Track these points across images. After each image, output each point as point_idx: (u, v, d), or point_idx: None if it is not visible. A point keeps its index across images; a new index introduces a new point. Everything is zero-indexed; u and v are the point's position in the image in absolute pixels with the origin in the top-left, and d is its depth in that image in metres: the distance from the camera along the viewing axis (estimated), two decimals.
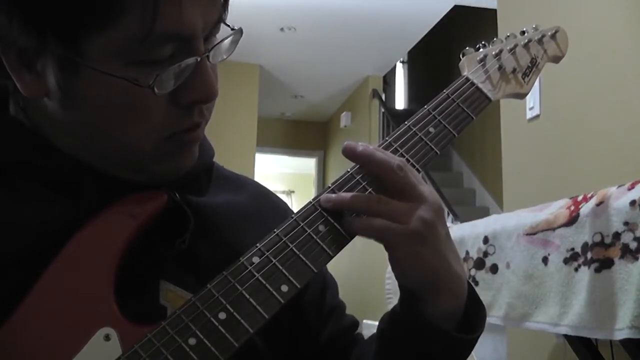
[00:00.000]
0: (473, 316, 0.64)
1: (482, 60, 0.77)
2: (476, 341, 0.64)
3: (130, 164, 0.61)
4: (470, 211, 5.11)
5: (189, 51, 0.56)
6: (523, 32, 0.82)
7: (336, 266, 0.75)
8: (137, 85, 0.54)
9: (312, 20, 5.03)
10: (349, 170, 0.64)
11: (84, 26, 0.52)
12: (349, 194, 0.61)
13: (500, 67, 0.78)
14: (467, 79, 0.75)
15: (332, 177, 7.38)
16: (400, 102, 8.23)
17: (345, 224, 0.60)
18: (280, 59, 5.90)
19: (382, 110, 6.03)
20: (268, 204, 0.77)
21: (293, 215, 0.60)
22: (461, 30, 6.33)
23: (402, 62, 7.90)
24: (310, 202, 0.61)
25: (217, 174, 0.73)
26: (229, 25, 0.61)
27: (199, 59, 0.56)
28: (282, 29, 5.21)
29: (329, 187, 0.62)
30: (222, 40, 0.60)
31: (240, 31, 0.61)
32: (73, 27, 0.52)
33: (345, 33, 5.25)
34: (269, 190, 0.81)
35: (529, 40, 0.82)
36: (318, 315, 0.74)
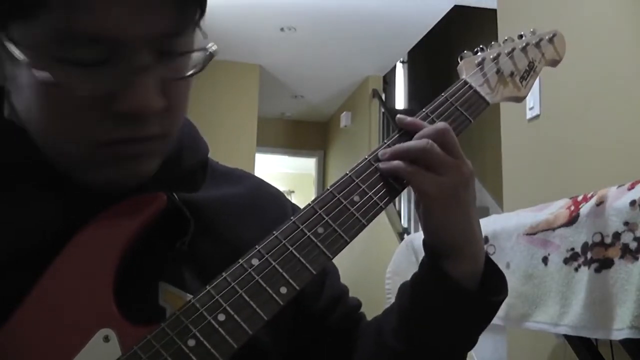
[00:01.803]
0: (491, 282, 0.67)
1: (480, 63, 0.78)
2: (498, 305, 0.68)
3: (73, 167, 0.59)
4: None
5: (123, 58, 0.53)
6: (521, 36, 0.83)
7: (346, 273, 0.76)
8: (54, 84, 0.53)
9: (312, 20, 5.03)
10: (347, 172, 0.65)
11: (6, 11, 0.52)
12: (408, 142, 0.66)
13: (498, 71, 0.78)
14: (465, 82, 0.75)
15: (332, 177, 7.37)
16: (400, 102, 8.21)
17: (396, 171, 0.65)
18: (280, 59, 5.90)
19: (382, 110, 6.03)
20: (264, 195, 0.78)
21: (292, 218, 0.60)
22: (461, 30, 6.32)
23: (402, 62, 7.88)
24: (309, 205, 0.62)
25: (211, 169, 0.73)
26: (205, 49, 0.58)
27: (134, 68, 0.54)
28: (282, 29, 5.21)
29: (328, 190, 0.63)
30: (173, 56, 0.57)
31: (211, 56, 0.59)
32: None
33: (345, 33, 5.24)
34: (264, 181, 0.81)
35: (527, 44, 0.82)
36: (320, 302, 0.75)
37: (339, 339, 0.74)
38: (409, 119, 0.69)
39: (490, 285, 0.67)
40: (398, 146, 0.66)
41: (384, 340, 0.69)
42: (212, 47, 0.59)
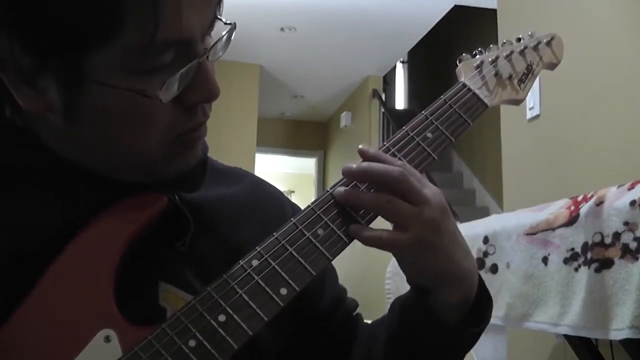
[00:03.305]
0: (482, 307, 0.66)
1: (479, 66, 0.78)
2: (480, 334, 0.66)
3: (136, 168, 0.61)
4: (470, 211, 5.11)
5: (189, 54, 0.56)
6: (519, 39, 0.83)
7: (336, 266, 0.76)
8: (144, 96, 0.54)
9: (312, 20, 5.03)
10: None
11: (84, 43, 0.52)
12: (361, 191, 0.62)
13: (496, 74, 0.79)
14: (464, 85, 0.75)
15: (332, 176, 7.38)
16: (400, 102, 8.22)
17: (352, 232, 0.61)
18: (280, 59, 5.90)
19: (382, 110, 6.03)
20: (263, 194, 0.78)
21: (292, 219, 0.60)
22: (461, 30, 6.32)
23: (402, 62, 7.89)
24: (308, 206, 0.62)
25: (211, 167, 0.74)
26: (222, 20, 0.61)
27: (200, 61, 0.57)
28: (282, 29, 5.21)
29: (328, 191, 0.63)
30: (219, 39, 0.60)
31: (234, 26, 0.61)
32: (74, 45, 0.52)
33: (346, 33, 5.25)
34: (263, 180, 0.81)
35: (525, 47, 0.83)
36: (322, 303, 0.75)
37: (337, 341, 0.75)
38: (371, 151, 0.64)
39: (476, 313, 0.65)
40: (355, 198, 0.62)
41: (374, 354, 0.70)
42: (230, 25, 0.61)
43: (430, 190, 0.62)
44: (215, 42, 0.59)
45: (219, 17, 0.60)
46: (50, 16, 0.51)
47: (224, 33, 0.61)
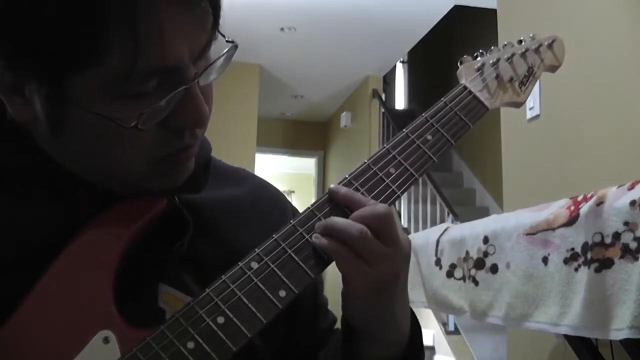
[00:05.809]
0: None
1: (480, 68, 0.78)
2: None
3: (123, 182, 0.61)
4: (470, 211, 5.11)
5: (175, 80, 0.55)
6: (520, 41, 0.83)
7: (334, 268, 0.76)
8: (119, 125, 0.54)
9: (312, 20, 5.03)
10: (346, 176, 0.65)
11: (64, 68, 0.52)
12: (342, 221, 0.59)
13: (497, 76, 0.78)
14: (465, 87, 0.75)
15: (332, 177, 7.38)
16: (400, 102, 8.23)
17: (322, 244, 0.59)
18: (280, 59, 5.90)
19: (382, 110, 6.04)
20: (266, 197, 0.78)
21: (291, 221, 0.60)
22: (461, 30, 6.32)
23: (402, 62, 7.90)
24: (308, 208, 0.62)
25: (214, 168, 0.73)
26: (224, 36, 0.60)
27: (187, 87, 0.56)
28: (282, 29, 5.21)
29: (327, 193, 0.63)
30: (213, 63, 0.59)
31: (235, 47, 0.60)
32: (54, 69, 0.52)
33: (345, 33, 5.24)
34: (267, 182, 0.81)
35: (526, 50, 0.82)
36: (312, 310, 0.75)
37: (308, 348, 0.74)
38: (342, 191, 0.62)
39: None
40: (331, 222, 0.59)
41: None
42: (232, 43, 0.60)
43: (402, 234, 0.60)
44: (208, 66, 0.58)
45: (221, 33, 0.59)
46: (29, 39, 0.51)
47: (221, 53, 0.59)
